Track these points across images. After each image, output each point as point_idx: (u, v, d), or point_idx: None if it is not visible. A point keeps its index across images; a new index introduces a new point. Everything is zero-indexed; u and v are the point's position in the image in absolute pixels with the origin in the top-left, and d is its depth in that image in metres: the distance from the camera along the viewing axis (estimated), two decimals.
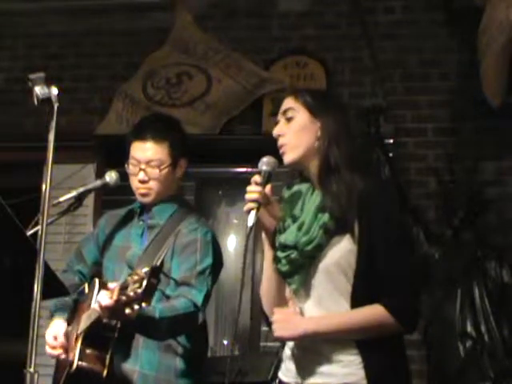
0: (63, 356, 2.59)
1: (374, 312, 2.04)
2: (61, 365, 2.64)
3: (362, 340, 2.05)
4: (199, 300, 2.56)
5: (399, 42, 4.46)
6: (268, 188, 2.13)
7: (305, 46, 4.56)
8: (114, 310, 2.31)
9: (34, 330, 1.88)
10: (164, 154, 2.72)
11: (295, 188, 2.24)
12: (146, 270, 2.23)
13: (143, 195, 2.73)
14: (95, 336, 2.52)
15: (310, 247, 2.10)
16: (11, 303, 2.36)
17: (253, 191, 2.10)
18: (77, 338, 2.55)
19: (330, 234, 2.09)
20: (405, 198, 4.09)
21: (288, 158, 2.19)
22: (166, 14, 4.68)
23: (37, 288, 1.87)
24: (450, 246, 3.95)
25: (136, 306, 2.23)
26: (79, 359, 2.48)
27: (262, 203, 2.11)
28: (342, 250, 2.08)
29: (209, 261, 2.64)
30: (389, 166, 4.11)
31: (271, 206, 2.17)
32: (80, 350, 2.49)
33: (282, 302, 2.22)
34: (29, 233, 2.39)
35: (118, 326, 2.51)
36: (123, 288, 2.25)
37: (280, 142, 2.19)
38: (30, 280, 1.88)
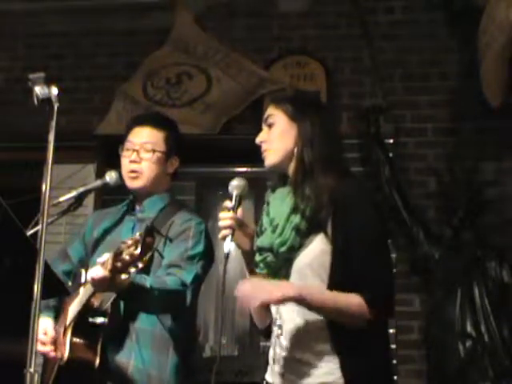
0: (52, 354, 2.59)
1: (355, 300, 2.05)
2: (49, 360, 2.63)
3: (339, 341, 2.08)
4: (188, 279, 2.58)
5: (399, 42, 4.46)
6: (239, 211, 2.22)
7: (305, 45, 4.56)
8: (109, 279, 2.33)
9: (33, 330, 1.88)
10: (160, 139, 2.77)
11: (278, 191, 2.28)
12: (138, 233, 2.26)
13: (133, 178, 2.74)
14: (85, 325, 2.52)
15: (284, 249, 2.14)
16: (11, 303, 2.36)
17: (225, 218, 2.19)
18: (65, 331, 2.56)
19: (303, 235, 2.13)
20: (405, 197, 4.09)
21: (268, 162, 2.27)
22: (166, 13, 4.68)
23: (37, 288, 1.87)
24: (450, 245, 3.95)
25: (132, 269, 2.26)
26: (70, 350, 2.48)
27: (236, 227, 2.19)
28: (316, 251, 2.12)
29: (200, 248, 2.68)
30: (389, 166, 4.12)
31: (245, 227, 2.25)
32: (70, 341, 2.50)
33: (268, 312, 2.27)
34: (29, 233, 2.39)
35: (109, 311, 2.52)
36: (117, 255, 2.27)
37: (262, 147, 2.28)
38: (30, 280, 1.88)
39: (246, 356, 4.15)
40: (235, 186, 2.25)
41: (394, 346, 3.86)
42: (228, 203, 2.23)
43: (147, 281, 2.48)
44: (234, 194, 2.24)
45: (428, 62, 4.40)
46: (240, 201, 2.24)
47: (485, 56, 3.87)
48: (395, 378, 3.82)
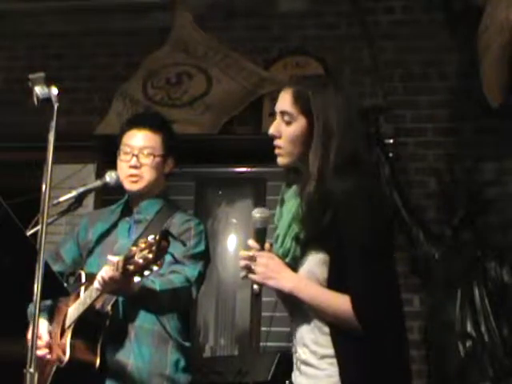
0: (48, 356, 2.58)
1: (344, 306, 2.03)
2: (44, 362, 2.60)
3: (341, 346, 2.06)
4: (192, 275, 2.61)
5: (399, 42, 4.46)
6: (267, 246, 2.14)
7: (305, 45, 4.56)
8: (119, 282, 2.31)
9: (34, 330, 1.88)
10: (158, 143, 2.76)
11: (293, 189, 2.20)
12: (152, 236, 2.23)
13: (133, 182, 2.74)
14: (85, 326, 2.52)
15: (288, 260, 2.12)
16: (11, 303, 2.36)
17: (243, 257, 2.10)
18: (64, 333, 2.56)
19: (303, 244, 2.10)
20: (405, 197, 4.09)
21: (281, 162, 2.17)
22: (166, 13, 4.69)
23: (37, 288, 1.87)
24: (450, 246, 3.96)
25: (146, 272, 2.24)
26: (70, 352, 2.48)
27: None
28: (316, 260, 2.09)
29: (201, 248, 2.70)
30: (389, 166, 4.12)
31: None
32: (70, 343, 2.49)
33: None
34: (29, 233, 2.39)
35: (110, 313, 2.53)
36: (129, 258, 2.25)
37: (276, 142, 2.17)
38: (30, 280, 1.88)
39: (246, 356, 4.15)
40: (259, 218, 2.13)
41: None
42: (252, 243, 2.12)
43: (156, 284, 2.49)
44: (259, 227, 2.13)
45: (428, 62, 4.40)
46: (265, 234, 2.13)
47: (485, 56, 3.87)
48: None
